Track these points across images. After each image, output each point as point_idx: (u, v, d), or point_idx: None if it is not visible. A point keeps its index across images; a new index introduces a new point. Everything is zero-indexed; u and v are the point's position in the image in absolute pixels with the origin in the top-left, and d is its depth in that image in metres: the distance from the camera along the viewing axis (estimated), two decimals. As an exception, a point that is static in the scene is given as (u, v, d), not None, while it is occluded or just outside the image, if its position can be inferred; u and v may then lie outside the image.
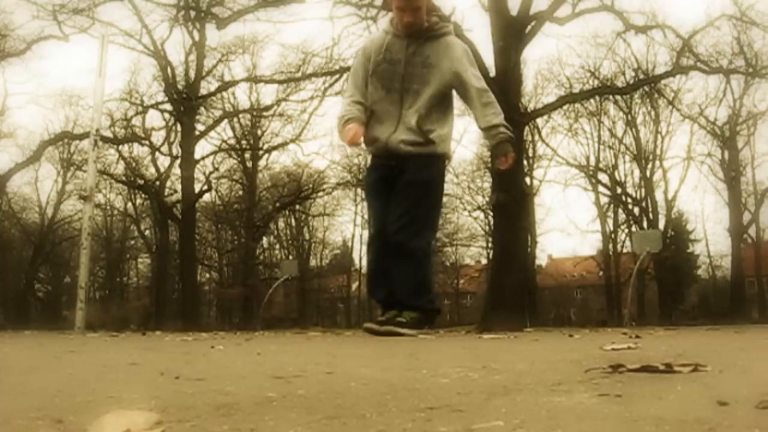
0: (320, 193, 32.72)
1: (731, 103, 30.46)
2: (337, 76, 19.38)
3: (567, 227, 55.75)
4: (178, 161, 25.91)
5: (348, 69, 18.76)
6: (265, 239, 35.49)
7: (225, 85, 26.64)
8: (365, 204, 4.79)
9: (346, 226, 39.80)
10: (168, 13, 22.47)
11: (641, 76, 23.66)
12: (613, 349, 2.19)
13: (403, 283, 4.07)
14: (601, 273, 35.04)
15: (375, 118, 4.15)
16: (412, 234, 4.03)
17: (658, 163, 32.50)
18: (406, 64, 4.07)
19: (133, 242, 37.27)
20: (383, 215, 4.12)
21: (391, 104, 4.10)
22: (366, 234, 35.50)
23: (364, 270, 38.15)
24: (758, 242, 33.40)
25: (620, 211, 33.56)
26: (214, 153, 29.42)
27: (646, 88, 25.61)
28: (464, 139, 62.69)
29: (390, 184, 4.12)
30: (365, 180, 4.36)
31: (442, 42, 4.15)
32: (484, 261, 35.73)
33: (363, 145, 4.26)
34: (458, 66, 4.13)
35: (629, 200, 33.11)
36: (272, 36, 36.41)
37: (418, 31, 4.08)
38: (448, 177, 33.26)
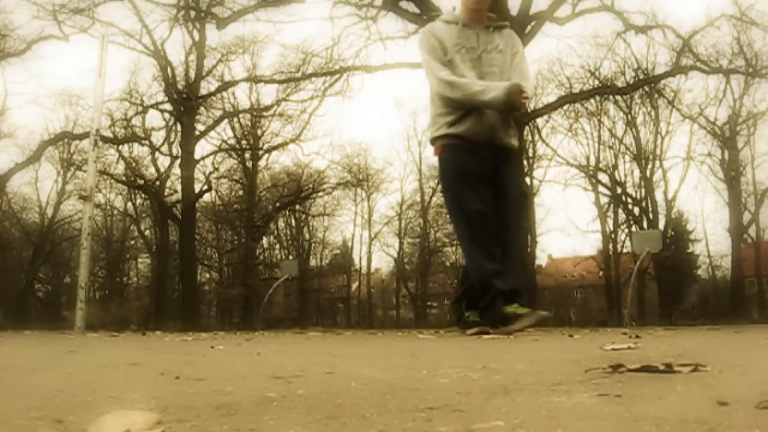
0: (320, 193, 32.73)
1: (731, 103, 30.48)
2: (337, 76, 19.39)
3: (567, 227, 55.77)
4: (178, 161, 25.93)
5: (348, 69, 18.79)
6: (265, 239, 35.50)
7: (225, 85, 26.65)
8: (446, 187, 4.69)
9: (346, 226, 39.87)
10: (168, 13, 22.50)
11: (641, 76, 23.68)
12: (613, 349, 2.19)
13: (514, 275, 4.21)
14: (601, 273, 35.03)
15: (474, 109, 4.18)
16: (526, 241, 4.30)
17: (658, 163, 32.52)
18: (476, 49, 4.19)
19: (133, 242, 37.28)
20: (481, 203, 4.12)
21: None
22: (366, 234, 35.38)
23: (364, 270, 38.25)
24: (758, 242, 33.39)
25: (620, 211, 33.58)
26: (214, 153, 29.44)
27: (646, 88, 25.62)
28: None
29: (479, 175, 4.14)
30: (449, 163, 4.22)
31: (506, 32, 4.31)
32: (484, 261, 35.63)
33: (450, 130, 4.18)
34: (519, 55, 4.27)
35: (629, 200, 33.11)
36: (272, 36, 36.48)
37: (482, 21, 4.24)
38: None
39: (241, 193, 33.15)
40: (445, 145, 4.19)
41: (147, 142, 27.43)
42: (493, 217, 4.14)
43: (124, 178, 29.29)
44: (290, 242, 37.57)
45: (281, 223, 36.62)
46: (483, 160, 4.14)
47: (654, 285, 32.91)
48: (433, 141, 4.28)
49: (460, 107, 4.11)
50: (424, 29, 4.53)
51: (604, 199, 33.24)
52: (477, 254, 4.11)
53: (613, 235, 33.91)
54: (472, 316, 4.25)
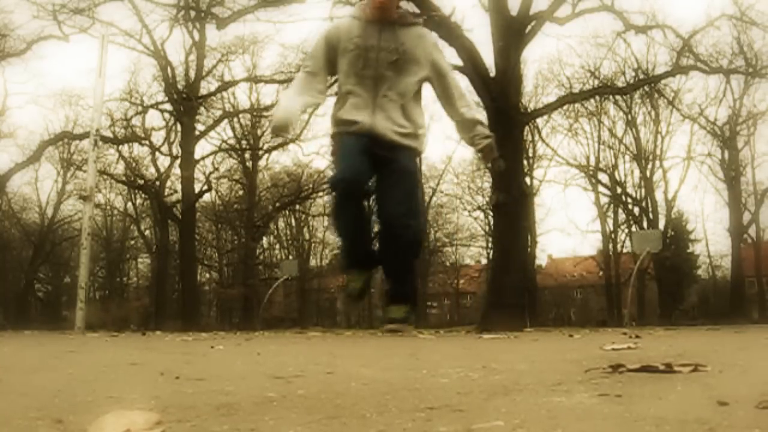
0: (320, 193, 32.71)
1: (731, 103, 30.48)
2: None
3: (567, 227, 55.75)
4: (178, 161, 25.93)
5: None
6: (265, 239, 35.49)
7: (225, 85, 26.66)
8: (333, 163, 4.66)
9: (346, 226, 39.76)
10: (168, 13, 22.48)
11: (641, 76, 23.67)
12: (613, 349, 2.19)
13: (397, 271, 4.07)
14: (601, 273, 35.03)
15: (350, 103, 4.09)
16: (416, 220, 4.09)
17: (658, 163, 32.52)
18: (380, 49, 4.04)
19: (133, 242, 37.26)
20: (358, 165, 4.03)
21: (365, 90, 4.05)
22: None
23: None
24: (758, 242, 33.39)
25: (620, 211, 33.57)
26: (214, 153, 29.44)
27: (646, 88, 25.62)
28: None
29: (370, 157, 4.03)
30: (338, 142, 4.23)
31: (413, 31, 4.13)
32: (484, 261, 35.72)
33: (289, 134, 4.27)
34: (434, 55, 4.15)
35: (629, 200, 33.11)
36: (272, 36, 36.52)
37: (390, 18, 4.07)
38: (448, 177, 32.98)
39: (241, 193, 33.15)
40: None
41: (147, 142, 27.45)
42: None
43: (124, 178, 29.30)
44: (290, 242, 37.57)
45: (281, 223, 36.63)
46: (371, 147, 4.07)
47: (654, 285, 32.91)
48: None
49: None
50: (328, 26, 4.54)
51: (604, 199, 33.27)
52: None
53: (613, 235, 33.93)
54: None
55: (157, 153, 28.02)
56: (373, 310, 39.00)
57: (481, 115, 4.21)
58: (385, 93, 3.99)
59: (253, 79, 26.95)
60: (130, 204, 34.67)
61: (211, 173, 29.47)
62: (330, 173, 4.35)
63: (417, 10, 4.42)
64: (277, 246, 37.56)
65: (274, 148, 30.62)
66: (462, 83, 4.32)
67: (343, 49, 4.06)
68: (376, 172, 4.00)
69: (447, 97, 4.14)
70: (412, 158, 4.16)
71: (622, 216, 33.59)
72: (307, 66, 4.26)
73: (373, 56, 4.00)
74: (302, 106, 4.23)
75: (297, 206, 33.56)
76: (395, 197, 3.97)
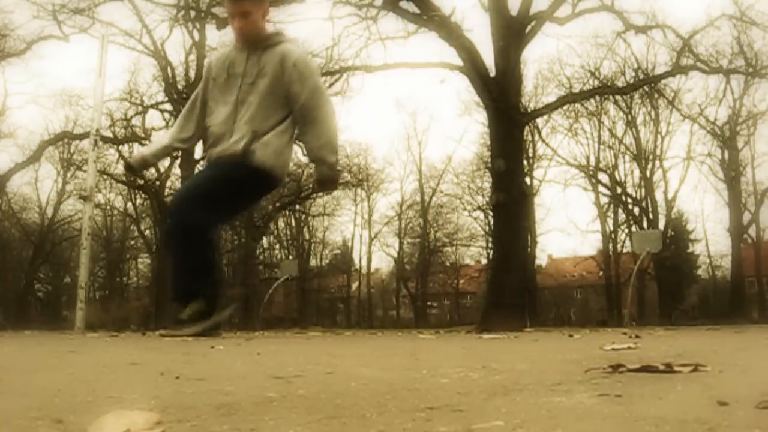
0: (320, 193, 32.71)
1: (731, 103, 30.51)
2: (337, 76, 19.38)
3: (567, 227, 55.70)
4: (178, 161, 25.93)
5: (348, 69, 18.81)
6: (265, 239, 35.50)
7: (225, 85, 26.60)
8: None
9: (346, 226, 39.85)
10: (168, 13, 22.47)
11: (641, 76, 23.67)
12: (613, 349, 2.20)
13: (177, 275, 3.93)
14: (601, 273, 35.05)
15: (209, 136, 3.98)
16: (192, 211, 3.85)
17: (658, 163, 32.56)
18: (244, 74, 3.90)
19: (133, 242, 37.27)
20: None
21: (226, 119, 3.92)
22: (366, 234, 35.39)
23: (364, 270, 38.26)
24: (758, 242, 33.40)
25: (620, 211, 33.60)
26: (214, 153, 29.39)
27: (646, 88, 25.61)
28: (464, 139, 62.69)
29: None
30: None
31: (277, 50, 3.86)
32: (484, 261, 35.74)
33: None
34: (289, 75, 3.82)
35: (629, 200, 33.13)
36: (272, 36, 36.34)
37: (256, 41, 3.92)
38: (448, 177, 32.86)
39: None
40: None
41: (147, 142, 27.42)
42: None
43: (124, 178, 29.29)
44: (290, 242, 37.58)
45: (281, 223, 36.63)
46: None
47: (654, 285, 32.92)
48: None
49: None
50: (211, 57, 4.48)
51: (604, 199, 33.30)
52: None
53: (613, 235, 33.96)
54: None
55: (157, 153, 27.99)
56: (373, 310, 39.00)
57: (329, 156, 3.90)
58: (242, 118, 3.84)
59: (253, 79, 26.91)
60: (130, 204, 34.70)
61: (211, 173, 29.44)
62: None
63: (281, 31, 4.21)
64: (277, 246, 37.59)
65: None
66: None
67: (215, 80, 3.99)
68: None
69: (300, 124, 3.96)
70: (220, 165, 3.96)
71: (622, 216, 33.65)
72: (192, 100, 4.19)
73: (237, 83, 3.88)
74: (158, 149, 4.28)
75: (297, 206, 33.57)
76: (173, 201, 4.01)
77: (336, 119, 3.99)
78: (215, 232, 4.11)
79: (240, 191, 3.98)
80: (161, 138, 4.25)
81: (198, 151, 26.64)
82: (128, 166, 4.27)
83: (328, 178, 3.90)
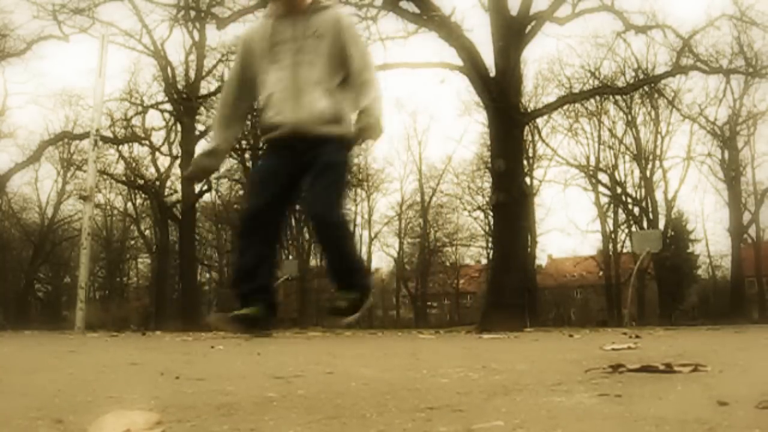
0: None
1: (731, 103, 30.51)
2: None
3: (567, 227, 55.80)
4: (178, 161, 25.94)
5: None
6: (265, 239, 35.42)
7: (225, 85, 26.60)
8: (251, 187, 4.59)
9: (346, 226, 39.74)
10: (168, 13, 22.47)
11: (641, 76, 23.66)
12: (613, 349, 2.20)
13: (336, 262, 3.92)
14: (601, 273, 35.05)
15: (273, 104, 3.96)
16: (337, 208, 3.90)
17: (658, 163, 32.56)
18: (295, 39, 3.91)
19: (133, 242, 37.28)
20: (268, 199, 3.96)
21: (287, 84, 3.92)
22: (366, 234, 35.39)
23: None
24: (758, 242, 33.40)
25: (620, 211, 33.60)
26: (214, 153, 29.38)
27: (646, 88, 25.60)
28: (464, 139, 62.71)
29: (289, 172, 3.95)
30: (259, 164, 4.18)
31: (328, 13, 3.99)
32: (484, 261, 35.74)
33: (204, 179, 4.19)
34: (345, 36, 3.88)
35: (629, 200, 33.13)
36: (272, 36, 36.32)
37: (302, 7, 3.95)
38: (448, 177, 32.95)
39: (241, 193, 33.16)
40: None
41: (147, 142, 27.46)
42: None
43: (124, 178, 29.31)
44: (290, 242, 37.56)
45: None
46: (293, 154, 3.95)
47: (654, 285, 32.92)
48: None
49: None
50: (243, 34, 4.40)
51: (604, 199, 33.30)
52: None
53: (613, 235, 33.96)
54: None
55: (157, 153, 28.05)
56: (373, 310, 38.97)
57: (377, 109, 3.96)
58: (307, 80, 3.85)
59: (253, 79, 26.91)
60: (130, 204, 34.70)
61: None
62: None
63: None
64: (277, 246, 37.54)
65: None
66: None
67: (262, 51, 3.96)
68: (305, 170, 3.91)
69: (351, 83, 3.98)
70: (338, 150, 3.97)
71: (622, 216, 33.65)
72: (228, 83, 4.16)
73: (289, 48, 3.89)
74: (228, 143, 4.20)
75: (297, 206, 33.54)
76: (312, 192, 3.91)
77: (380, 88, 4.05)
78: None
79: (348, 165, 4.10)
80: (213, 140, 4.15)
81: (198, 151, 26.67)
82: (192, 178, 4.18)
83: (373, 125, 3.95)
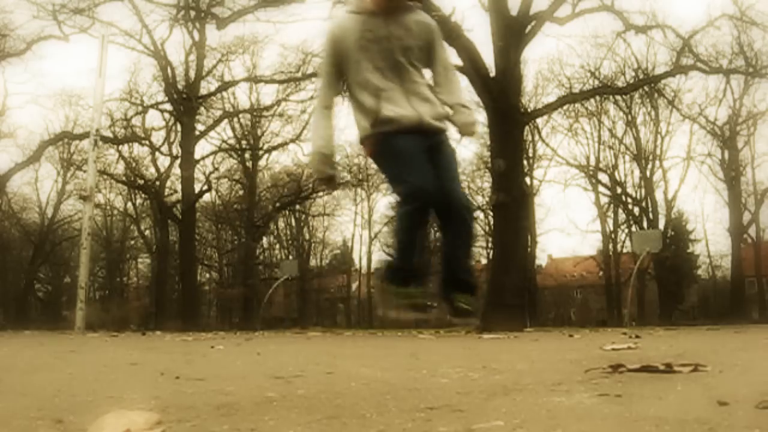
0: (320, 193, 32.72)
1: (731, 103, 30.47)
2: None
3: (567, 227, 55.77)
4: (178, 161, 25.93)
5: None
6: (265, 239, 35.48)
7: (225, 85, 26.65)
8: (387, 165, 4.54)
9: (346, 226, 39.85)
10: (168, 13, 22.49)
11: (641, 76, 23.67)
12: (613, 349, 2.20)
13: (460, 258, 3.95)
14: (601, 273, 35.03)
15: (383, 98, 4.06)
16: (467, 200, 4.04)
17: (658, 163, 32.53)
18: (392, 38, 4.00)
19: (133, 242, 37.25)
20: (426, 175, 3.98)
21: (394, 83, 4.01)
22: (366, 234, 35.41)
23: (364, 270, 38.25)
24: (758, 242, 33.38)
25: (620, 211, 33.57)
26: (214, 153, 29.44)
27: (646, 88, 25.62)
28: (464, 139, 62.70)
29: (422, 151, 4.03)
30: (388, 144, 4.14)
31: (418, 15, 4.11)
32: (484, 261, 35.73)
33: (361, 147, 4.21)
34: (435, 37, 4.11)
35: (629, 200, 33.10)
36: (272, 36, 36.54)
37: (394, 6, 4.04)
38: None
39: (241, 193, 33.15)
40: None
41: (147, 142, 27.44)
42: None
43: (124, 178, 29.30)
44: (290, 242, 37.56)
45: (281, 223, 36.62)
46: (420, 140, 4.06)
47: (654, 285, 32.91)
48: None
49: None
50: (329, 25, 4.41)
51: (604, 199, 33.27)
52: None
53: (613, 235, 33.93)
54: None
55: (157, 153, 28.05)
56: (373, 310, 38.97)
57: (467, 104, 4.17)
58: (412, 78, 3.97)
59: (253, 79, 26.96)
60: (130, 204, 34.68)
61: (211, 173, 29.49)
62: (395, 182, 4.20)
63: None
64: (277, 246, 37.57)
65: (274, 148, 30.65)
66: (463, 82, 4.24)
67: (354, 47, 4.02)
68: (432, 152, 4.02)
69: (436, 81, 4.13)
70: (449, 140, 4.15)
71: (622, 216, 33.61)
72: (322, 78, 4.16)
73: (387, 46, 3.98)
74: (331, 135, 4.18)
75: (297, 206, 33.57)
76: (447, 177, 3.97)
77: None
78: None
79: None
80: (321, 135, 4.09)
81: (198, 151, 26.69)
82: (325, 182, 4.02)
83: (472, 120, 4.12)
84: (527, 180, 27.96)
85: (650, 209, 32.05)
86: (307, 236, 37.59)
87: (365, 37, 3.98)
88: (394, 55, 3.98)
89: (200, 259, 32.31)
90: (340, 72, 4.10)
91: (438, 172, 4.02)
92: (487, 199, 29.53)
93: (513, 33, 14.18)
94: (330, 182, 4.03)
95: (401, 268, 4.12)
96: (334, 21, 4.27)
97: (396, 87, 3.98)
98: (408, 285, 3.98)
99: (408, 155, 4.06)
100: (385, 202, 47.73)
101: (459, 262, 3.99)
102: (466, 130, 4.20)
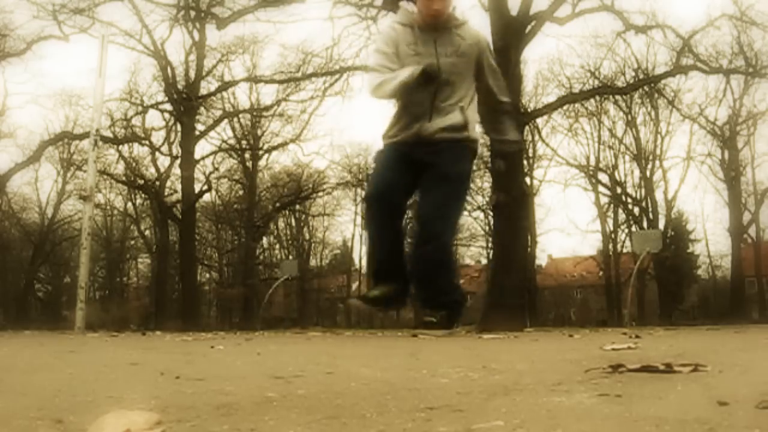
0: (320, 193, 32.73)
1: (731, 103, 30.50)
2: (337, 76, 19.41)
3: (567, 227, 55.78)
4: (178, 161, 25.93)
5: (348, 69, 18.80)
6: (265, 239, 35.50)
7: (225, 85, 26.65)
8: (371, 172, 4.74)
9: (346, 226, 39.82)
10: (168, 13, 22.48)
11: (641, 76, 23.68)
12: (613, 349, 2.20)
13: (430, 277, 3.96)
14: (601, 273, 35.04)
15: (406, 111, 4.04)
16: (448, 227, 4.02)
17: (658, 163, 32.55)
18: (438, 56, 3.96)
19: (133, 242, 37.28)
20: (391, 180, 4.01)
21: (424, 98, 3.98)
22: (365, 234, 35.57)
23: (364, 270, 38.22)
24: (758, 242, 33.40)
25: (620, 211, 33.59)
26: (214, 153, 29.45)
27: (646, 88, 25.62)
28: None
29: (410, 166, 4.01)
30: (381, 154, 4.22)
31: (466, 29, 4.09)
32: (484, 261, 35.73)
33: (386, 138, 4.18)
34: (484, 58, 4.10)
35: (629, 200, 33.12)
36: (272, 36, 36.51)
37: (443, 22, 4.01)
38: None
39: (241, 193, 33.17)
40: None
41: (147, 142, 27.45)
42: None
43: (124, 178, 29.31)
44: (290, 242, 37.57)
45: (281, 223, 36.64)
46: (414, 155, 4.04)
47: (654, 285, 32.92)
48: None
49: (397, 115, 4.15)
50: (385, 27, 4.43)
51: (604, 199, 33.29)
52: None
53: (613, 235, 33.94)
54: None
55: (157, 153, 28.05)
56: (373, 314, 38.92)
57: (516, 132, 4.26)
58: (447, 98, 3.96)
59: (253, 79, 26.97)
60: (130, 204, 34.70)
61: (211, 173, 29.51)
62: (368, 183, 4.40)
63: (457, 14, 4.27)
64: (277, 246, 37.58)
65: (274, 148, 30.65)
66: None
67: (403, 56, 3.99)
68: (422, 175, 3.99)
69: (485, 102, 4.17)
70: (458, 159, 4.04)
71: (622, 216, 33.64)
72: (379, 60, 4.09)
73: (434, 59, 3.94)
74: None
75: (297, 206, 33.58)
76: (428, 202, 3.96)
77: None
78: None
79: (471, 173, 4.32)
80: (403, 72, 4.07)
81: (198, 151, 26.70)
82: (429, 76, 3.98)
83: (510, 138, 4.28)
84: (527, 180, 27.97)
85: (650, 209, 32.07)
86: (307, 236, 37.61)
87: (412, 49, 3.93)
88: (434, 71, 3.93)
89: (200, 259, 32.31)
90: (391, 66, 4.02)
91: (420, 194, 4.00)
92: (487, 199, 29.54)
93: (513, 33, 14.17)
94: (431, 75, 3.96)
95: (370, 263, 4.17)
96: (389, 26, 4.26)
97: (426, 107, 3.91)
98: (377, 280, 4.01)
99: (386, 163, 4.07)
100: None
101: (427, 280, 3.99)
102: (504, 147, 4.26)
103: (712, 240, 40.38)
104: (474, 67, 4.07)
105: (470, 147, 4.09)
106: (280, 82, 24.45)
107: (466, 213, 35.17)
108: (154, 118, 32.69)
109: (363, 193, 34.96)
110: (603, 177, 33.03)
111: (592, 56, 26.07)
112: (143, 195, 30.80)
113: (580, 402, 1.05)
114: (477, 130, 4.21)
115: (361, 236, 35.41)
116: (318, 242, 38.45)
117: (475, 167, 30.08)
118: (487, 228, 33.08)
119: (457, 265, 4.77)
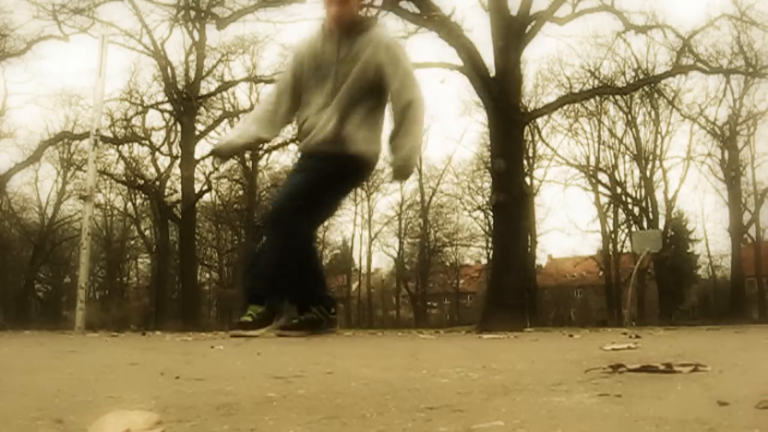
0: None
1: (731, 103, 30.51)
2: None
3: (567, 227, 55.78)
4: (178, 161, 25.95)
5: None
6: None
7: (225, 85, 26.66)
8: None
9: (346, 226, 39.84)
10: (168, 13, 22.46)
11: (641, 76, 23.67)
12: (613, 349, 2.20)
13: (263, 265, 3.88)
14: (601, 273, 35.05)
15: (308, 128, 3.91)
16: (297, 214, 3.75)
17: (658, 163, 32.56)
18: (338, 63, 3.83)
19: (133, 242, 37.27)
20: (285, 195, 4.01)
21: (321, 109, 3.87)
22: (366, 234, 35.44)
23: (364, 270, 38.26)
24: (758, 242, 33.40)
25: (620, 211, 33.60)
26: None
27: (646, 88, 25.64)
28: (464, 139, 62.68)
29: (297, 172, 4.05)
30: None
31: (369, 35, 3.78)
32: (484, 261, 35.75)
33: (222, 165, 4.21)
34: (381, 59, 3.74)
35: (629, 200, 33.12)
36: (272, 36, 36.48)
37: (349, 26, 3.85)
38: (448, 177, 32.97)
39: (241, 193, 33.16)
40: None
41: (147, 142, 27.46)
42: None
43: (124, 178, 29.31)
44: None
45: (281, 223, 36.54)
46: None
47: (654, 285, 32.92)
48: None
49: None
50: (298, 42, 4.31)
51: (604, 199, 33.30)
52: None
53: (613, 235, 33.95)
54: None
55: (157, 153, 28.06)
56: (373, 310, 38.99)
57: (410, 144, 3.86)
58: (338, 104, 3.79)
59: (253, 79, 26.94)
60: (130, 204, 34.69)
61: (211, 173, 29.48)
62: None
63: (372, 17, 4.11)
64: (277, 246, 37.51)
65: (274, 148, 30.61)
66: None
67: (307, 68, 3.90)
68: None
69: (392, 108, 3.89)
70: (324, 159, 3.87)
71: (622, 216, 33.65)
72: (278, 88, 4.07)
73: (331, 73, 3.80)
74: (248, 138, 4.08)
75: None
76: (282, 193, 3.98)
77: (425, 109, 3.89)
78: (314, 234, 4.25)
79: (336, 185, 3.94)
80: (249, 126, 4.07)
81: (198, 151, 26.70)
82: (216, 153, 4.19)
83: (401, 168, 3.90)
84: (527, 180, 27.97)
85: (650, 209, 32.07)
86: (306, 236, 37.53)
87: (318, 60, 3.84)
88: (334, 80, 3.78)
89: (200, 259, 32.31)
90: (295, 90, 3.97)
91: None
92: (487, 199, 29.54)
93: (513, 33, 14.19)
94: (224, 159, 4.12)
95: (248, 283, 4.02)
96: (302, 37, 4.17)
97: (322, 114, 3.79)
98: (250, 300, 3.86)
99: (289, 175, 4.09)
100: (385, 202, 47.73)
101: (257, 274, 3.86)
102: (392, 175, 3.99)
103: (712, 240, 40.40)
104: (374, 74, 3.74)
105: (345, 164, 3.77)
106: (280, 82, 24.40)
107: (466, 213, 35.22)
108: (154, 118, 32.70)
109: (362, 192, 35.02)
110: (603, 177, 33.07)
111: (592, 56, 26.12)
112: (143, 195, 30.80)
113: (580, 402, 1.05)
114: (371, 144, 3.85)
115: (361, 236, 35.39)
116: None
117: (474, 167, 29.57)
118: (487, 228, 33.09)
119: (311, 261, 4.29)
